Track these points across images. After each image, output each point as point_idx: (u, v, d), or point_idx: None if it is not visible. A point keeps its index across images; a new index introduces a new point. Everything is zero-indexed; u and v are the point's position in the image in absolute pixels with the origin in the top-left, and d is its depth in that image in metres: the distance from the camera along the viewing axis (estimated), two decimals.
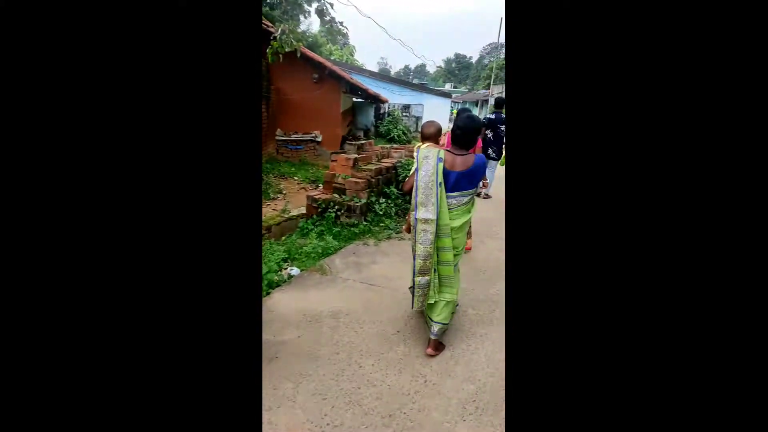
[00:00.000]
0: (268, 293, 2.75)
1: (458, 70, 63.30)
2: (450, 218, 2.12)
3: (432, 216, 2.05)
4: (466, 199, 2.15)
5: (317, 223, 4.00)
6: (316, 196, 4.17)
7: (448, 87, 43.40)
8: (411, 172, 2.15)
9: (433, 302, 2.16)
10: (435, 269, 2.13)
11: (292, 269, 3.09)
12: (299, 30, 3.77)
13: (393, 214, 4.32)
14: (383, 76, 19.60)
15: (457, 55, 66.01)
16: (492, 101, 5.64)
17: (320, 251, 3.43)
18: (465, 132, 2.14)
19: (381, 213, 4.21)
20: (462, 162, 2.11)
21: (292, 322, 2.41)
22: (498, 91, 25.79)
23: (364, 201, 4.06)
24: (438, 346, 2.21)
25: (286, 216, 4.30)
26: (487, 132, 5.21)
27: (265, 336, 2.23)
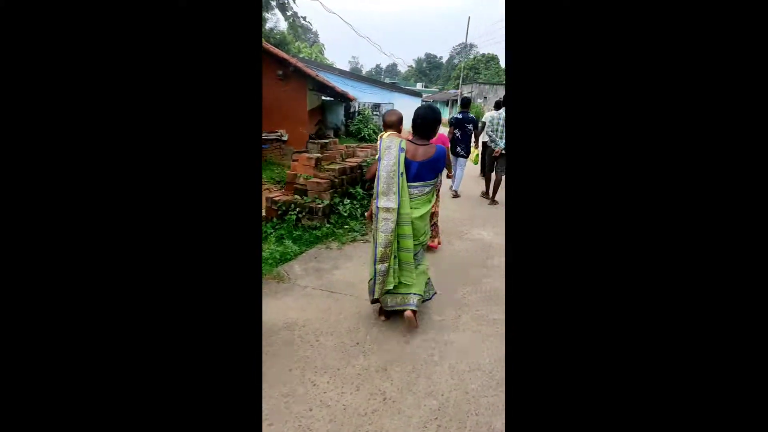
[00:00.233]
0: None
1: (429, 69, 63.79)
2: (411, 207, 2.18)
3: (393, 205, 2.11)
4: (427, 189, 2.21)
5: (277, 227, 3.77)
6: (276, 198, 3.94)
7: (419, 86, 43.63)
8: (374, 160, 2.29)
9: (396, 284, 2.23)
10: (395, 255, 2.21)
11: None
12: (266, 27, 3.54)
13: (359, 216, 4.15)
14: (353, 74, 19.38)
15: (428, 55, 66.51)
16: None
17: (278, 257, 3.21)
18: (424, 120, 2.19)
19: (345, 214, 4.03)
20: (423, 152, 2.16)
21: None
22: (467, 90, 26.11)
23: (327, 202, 3.87)
24: (415, 314, 2.31)
25: None
26: (455, 131, 5.34)
27: None
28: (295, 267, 3.13)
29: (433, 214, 3.65)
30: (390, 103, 16.63)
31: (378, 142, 2.19)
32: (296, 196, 3.93)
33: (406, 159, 2.11)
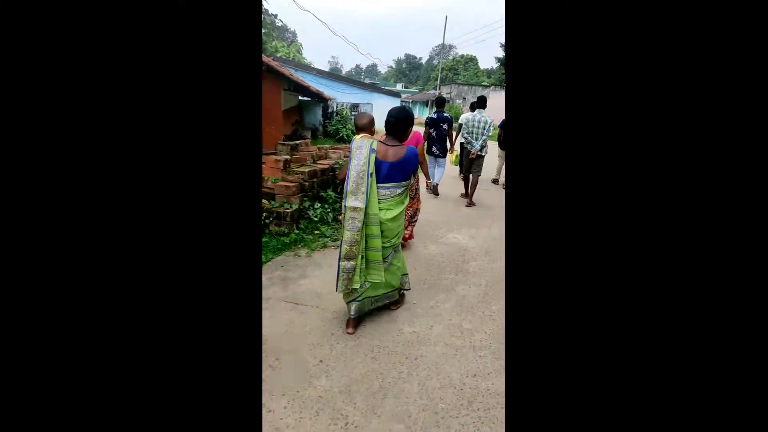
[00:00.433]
0: None
1: (409, 70, 63.97)
2: (382, 208, 2.18)
3: (360, 204, 2.10)
4: (399, 191, 2.21)
5: None
6: None
7: (399, 87, 43.69)
8: (346, 161, 2.23)
9: (357, 286, 2.23)
10: (363, 255, 2.19)
11: None
12: None
13: (330, 220, 3.98)
14: (332, 74, 19.16)
15: (408, 56, 66.70)
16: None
17: None
18: (397, 121, 2.20)
19: (316, 219, 3.86)
20: (394, 153, 2.16)
21: None
22: (447, 91, 26.25)
23: (295, 207, 3.69)
24: (356, 322, 2.33)
25: None
26: (431, 131, 5.35)
27: None
28: None
29: (417, 211, 3.67)
30: (368, 104, 16.53)
31: (351, 144, 2.21)
32: (264, 201, 3.73)
33: (376, 160, 2.11)
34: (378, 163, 2.13)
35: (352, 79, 22.72)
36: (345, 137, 11.73)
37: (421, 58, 64.88)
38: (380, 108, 16.75)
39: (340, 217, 2.37)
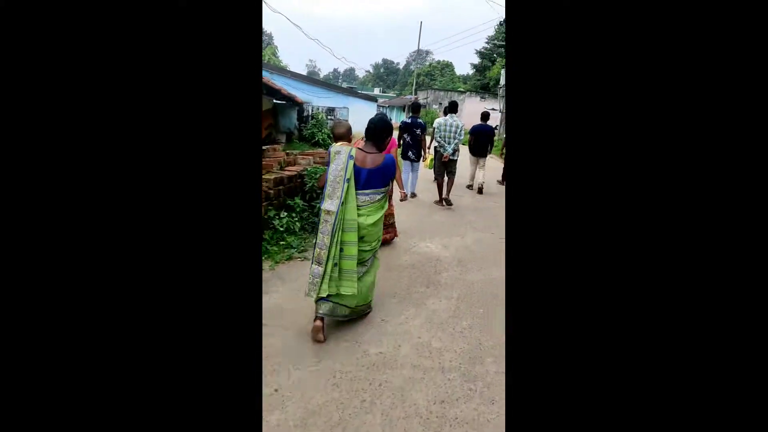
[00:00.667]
0: None
1: (386, 75, 64.25)
2: (362, 214, 2.19)
3: (333, 208, 2.12)
4: (378, 197, 2.25)
5: None
6: None
7: (377, 91, 43.73)
8: (316, 168, 2.45)
9: (333, 293, 2.19)
10: (336, 263, 2.15)
11: None
12: None
13: (297, 230, 3.79)
14: (308, 78, 18.94)
15: (385, 61, 67.03)
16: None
17: None
18: (377, 129, 2.27)
19: (282, 229, 3.66)
20: (372, 160, 2.21)
21: None
22: (423, 96, 26.41)
23: None
24: (323, 326, 2.26)
25: None
26: (405, 135, 5.37)
27: None
28: None
29: (388, 216, 3.73)
30: (345, 108, 16.40)
31: (328, 152, 2.24)
32: None
33: (355, 166, 2.14)
34: (357, 170, 2.16)
35: (329, 83, 22.56)
36: (321, 141, 11.53)
37: (398, 63, 65.33)
38: (357, 112, 16.63)
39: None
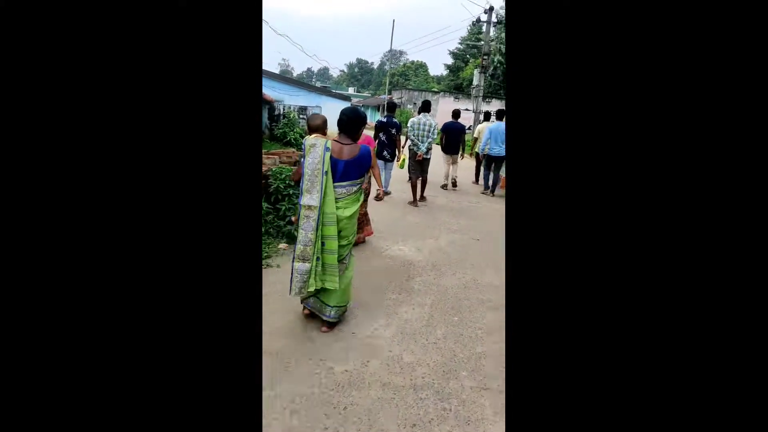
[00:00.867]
0: None
1: (361, 74, 63.99)
2: (339, 207, 2.17)
3: (315, 203, 2.09)
4: (355, 188, 2.23)
5: None
6: None
7: (351, 91, 43.44)
8: (281, 168, 2.36)
9: (324, 289, 2.20)
10: (318, 257, 2.14)
11: None
12: None
13: (261, 235, 3.54)
14: (280, 76, 18.50)
15: (360, 60, 66.71)
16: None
17: None
18: (350, 119, 2.24)
19: None
20: (348, 151, 2.19)
21: None
22: (398, 96, 26.36)
23: None
24: (331, 325, 2.30)
25: None
26: (381, 134, 5.32)
27: None
28: None
29: (365, 214, 3.70)
30: (318, 107, 16.12)
31: (302, 145, 2.20)
32: None
33: (331, 158, 2.12)
34: (334, 162, 2.14)
35: (301, 82, 22.16)
36: (293, 141, 11.20)
37: (372, 63, 65.13)
38: (329, 111, 16.33)
39: (294, 218, 2.33)
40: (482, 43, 15.83)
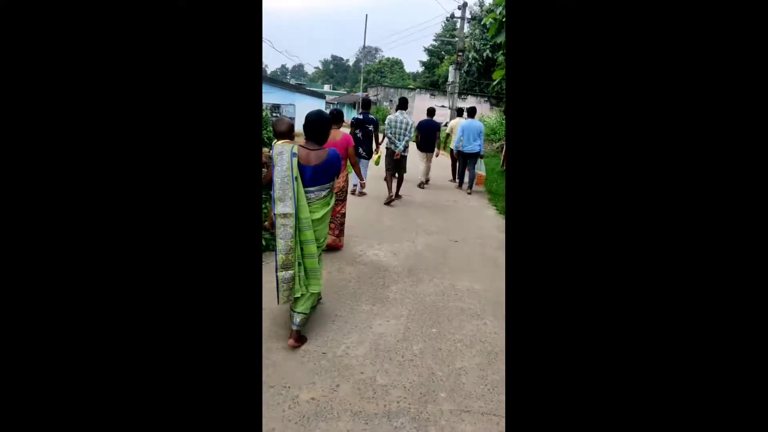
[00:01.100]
0: None
1: (336, 71, 63.33)
2: (311, 211, 2.17)
3: (290, 210, 2.08)
4: (324, 193, 2.23)
5: None
6: None
7: (327, 88, 42.88)
8: (269, 168, 2.23)
9: (299, 295, 2.17)
10: (300, 263, 2.15)
11: None
12: None
13: None
14: None
15: (335, 57, 66.00)
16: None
17: None
18: (315, 123, 2.21)
19: None
20: (316, 156, 2.17)
21: None
22: (374, 93, 26.15)
23: None
24: (300, 338, 2.20)
25: None
26: (357, 132, 5.21)
27: None
28: None
29: (343, 215, 3.62)
30: (291, 105, 15.77)
31: (271, 150, 2.21)
32: None
33: (299, 164, 2.10)
34: (301, 168, 2.12)
35: (275, 79, 21.60)
36: (266, 140, 10.82)
37: (348, 60, 64.57)
38: (303, 109, 15.99)
39: (267, 224, 2.34)
40: (456, 39, 15.80)
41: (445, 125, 8.47)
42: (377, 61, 45.61)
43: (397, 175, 5.54)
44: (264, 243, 3.19)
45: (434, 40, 30.79)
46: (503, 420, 1.74)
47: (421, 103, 18.96)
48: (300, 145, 2.18)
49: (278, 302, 2.14)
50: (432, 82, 28.17)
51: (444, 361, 2.13)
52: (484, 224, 4.88)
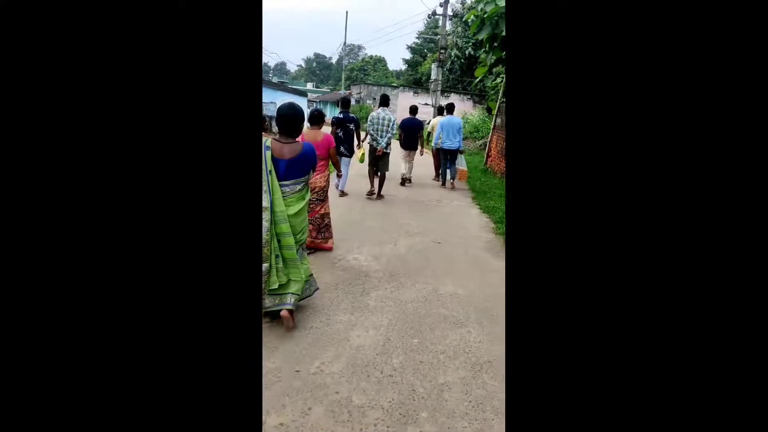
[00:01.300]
0: None
1: (319, 70, 62.72)
2: (286, 205, 2.17)
3: (265, 203, 2.07)
4: (299, 187, 2.24)
5: None
6: None
7: (309, 86, 42.38)
8: None
9: (284, 282, 2.21)
10: (278, 255, 2.18)
11: None
12: None
13: None
14: None
15: (318, 55, 65.33)
16: (352, 101, 5.53)
17: None
18: (287, 118, 2.20)
19: None
20: (290, 150, 2.17)
21: None
22: (357, 91, 25.93)
23: None
24: (292, 314, 2.25)
25: None
26: (337, 130, 5.16)
27: None
28: None
29: (324, 216, 3.55)
30: (272, 102, 15.51)
31: None
32: None
33: (273, 157, 2.11)
34: (275, 161, 2.12)
35: None
36: None
37: (330, 58, 63.96)
38: None
39: None
40: (439, 37, 15.71)
41: (428, 123, 8.40)
42: (360, 59, 45.31)
43: (378, 173, 5.49)
44: None
45: (417, 37, 30.70)
46: None
47: (404, 101, 18.84)
48: (274, 139, 2.18)
49: None
50: (415, 80, 28.09)
51: (425, 376, 1.99)
52: (467, 224, 4.78)
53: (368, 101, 24.57)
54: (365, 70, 39.49)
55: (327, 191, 3.60)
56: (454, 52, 20.37)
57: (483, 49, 9.05)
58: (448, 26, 16.56)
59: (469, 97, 20.57)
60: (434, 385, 1.93)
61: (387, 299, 2.77)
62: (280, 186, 2.15)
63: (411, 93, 22.18)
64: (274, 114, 2.50)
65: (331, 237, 3.66)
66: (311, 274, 2.50)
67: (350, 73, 33.24)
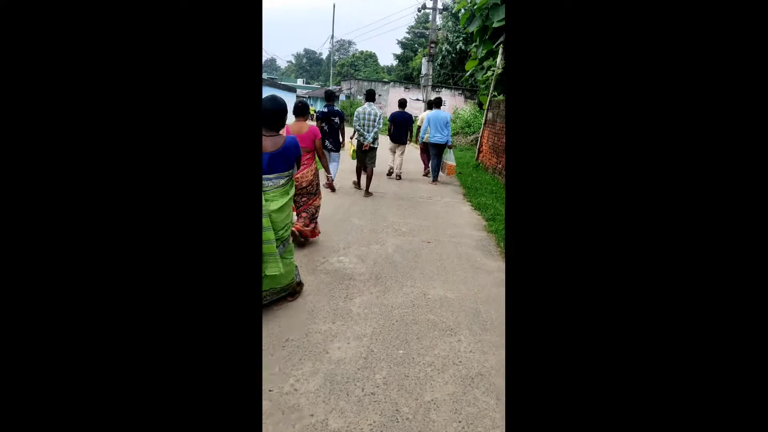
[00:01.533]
0: None
1: (309, 65, 62.09)
2: (267, 200, 2.13)
3: None
4: (282, 181, 2.20)
5: None
6: None
7: (300, 82, 41.90)
8: None
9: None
10: None
11: None
12: None
13: None
14: None
15: (307, 51, 64.64)
16: (342, 97, 5.40)
17: None
18: (269, 110, 2.17)
19: None
20: (272, 143, 2.15)
21: None
22: (347, 87, 25.64)
23: None
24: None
25: None
26: (323, 125, 5.09)
27: None
28: None
29: (318, 207, 3.49)
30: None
31: None
32: None
33: None
34: None
35: None
36: None
37: (320, 54, 63.32)
38: None
39: None
40: (429, 31, 15.48)
41: (417, 118, 8.25)
42: (351, 54, 44.86)
43: (366, 168, 5.40)
44: None
45: (407, 32, 30.41)
46: None
47: (395, 96, 18.61)
48: None
49: None
50: (406, 75, 27.84)
51: (411, 393, 1.81)
52: (459, 221, 4.60)
53: (359, 96, 24.30)
54: (356, 65, 39.12)
55: (318, 185, 3.51)
56: (445, 46, 20.16)
57: (474, 43, 8.85)
58: (439, 20, 16.33)
59: (460, 92, 20.40)
60: (420, 403, 1.75)
61: (372, 305, 2.58)
62: (264, 180, 2.13)
63: (402, 88, 21.95)
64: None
65: (317, 228, 3.57)
66: (296, 266, 2.46)
67: (341, 68, 32.86)
